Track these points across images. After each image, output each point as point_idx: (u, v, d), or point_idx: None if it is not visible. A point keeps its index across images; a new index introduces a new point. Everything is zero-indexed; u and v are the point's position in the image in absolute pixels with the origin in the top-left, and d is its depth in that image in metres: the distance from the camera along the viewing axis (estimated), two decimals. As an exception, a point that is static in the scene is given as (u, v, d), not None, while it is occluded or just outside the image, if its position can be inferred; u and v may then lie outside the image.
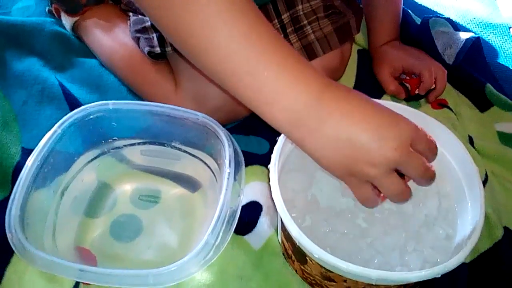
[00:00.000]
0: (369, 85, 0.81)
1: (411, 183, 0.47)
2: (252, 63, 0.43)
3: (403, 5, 0.84)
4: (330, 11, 0.75)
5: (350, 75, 0.83)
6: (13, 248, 0.49)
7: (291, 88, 0.43)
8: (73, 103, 0.72)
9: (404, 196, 0.46)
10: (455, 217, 0.54)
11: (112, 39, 0.77)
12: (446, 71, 0.77)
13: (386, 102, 0.59)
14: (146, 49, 0.70)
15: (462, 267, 0.58)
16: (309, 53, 0.75)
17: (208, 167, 0.63)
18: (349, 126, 0.43)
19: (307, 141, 0.45)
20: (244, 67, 0.43)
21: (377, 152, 0.43)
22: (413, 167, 0.44)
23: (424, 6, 0.97)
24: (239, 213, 0.53)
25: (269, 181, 0.51)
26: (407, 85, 0.79)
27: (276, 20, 0.75)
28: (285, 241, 0.55)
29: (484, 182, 0.66)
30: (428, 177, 0.46)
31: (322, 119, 0.43)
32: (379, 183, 0.45)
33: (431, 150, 0.46)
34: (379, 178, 0.44)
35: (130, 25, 0.75)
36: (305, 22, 0.75)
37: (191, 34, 0.43)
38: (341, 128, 0.43)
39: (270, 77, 0.43)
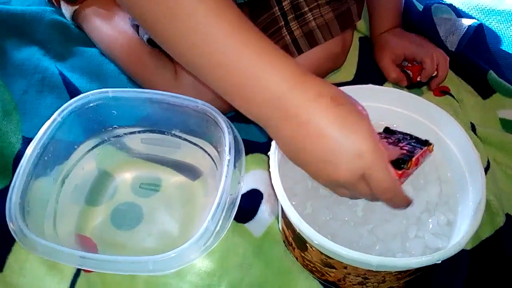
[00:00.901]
0: (370, 72, 0.81)
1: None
2: (216, 51, 0.42)
3: (405, -9, 0.84)
4: (331, -2, 0.75)
5: (351, 62, 0.83)
6: (14, 236, 0.49)
7: (252, 84, 0.42)
8: (74, 92, 0.72)
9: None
10: (456, 203, 0.53)
11: (111, 27, 0.77)
12: (448, 58, 0.76)
13: (388, 89, 0.59)
14: (146, 37, 0.70)
15: (463, 254, 0.58)
16: (310, 40, 0.74)
17: (209, 155, 0.63)
18: (300, 139, 0.42)
19: (270, 134, 0.45)
20: (210, 56, 0.43)
21: (321, 173, 0.43)
22: (353, 195, 0.47)
23: (426, -8, 0.96)
24: (239, 200, 0.53)
25: (269, 168, 0.50)
26: (409, 72, 0.78)
27: (276, 8, 0.75)
28: (285, 229, 0.55)
29: (486, 169, 0.66)
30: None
31: (280, 121, 0.42)
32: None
33: (381, 194, 0.44)
34: (330, 188, 0.47)
35: (129, 13, 0.74)
36: (306, 9, 0.74)
37: (163, 26, 0.43)
38: (294, 137, 0.42)
39: (233, 70, 0.42)
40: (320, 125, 0.41)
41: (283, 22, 0.75)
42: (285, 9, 0.74)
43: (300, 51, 0.75)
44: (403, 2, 0.84)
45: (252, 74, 0.42)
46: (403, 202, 0.46)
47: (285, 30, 0.75)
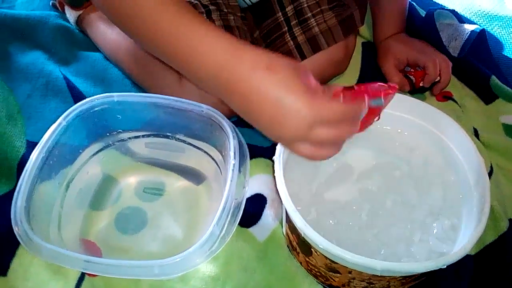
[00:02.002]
0: (373, 77, 0.81)
1: (415, 173, 0.47)
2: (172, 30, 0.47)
3: (408, -3, 0.84)
4: (334, 3, 0.75)
5: (354, 67, 0.83)
6: (19, 240, 0.49)
7: (194, 62, 0.46)
8: (78, 96, 0.72)
9: (318, 158, 0.48)
10: (460, 207, 0.53)
11: (116, 32, 0.77)
12: (451, 63, 0.77)
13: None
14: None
15: (467, 259, 0.58)
16: (313, 46, 0.75)
17: (213, 159, 0.63)
18: (247, 107, 0.45)
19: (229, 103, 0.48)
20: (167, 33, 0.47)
21: (272, 132, 0.46)
22: (313, 151, 0.46)
23: (428, -2, 0.96)
24: (244, 204, 0.53)
25: (274, 172, 0.51)
26: (412, 77, 0.78)
27: (280, 13, 0.75)
28: (290, 233, 0.55)
29: (489, 174, 0.66)
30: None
31: (226, 94, 0.47)
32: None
33: (340, 125, 0.45)
34: (287, 146, 0.48)
35: (134, 17, 0.75)
36: (309, 14, 0.74)
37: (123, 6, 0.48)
38: (242, 106, 0.46)
39: (179, 50, 0.47)
40: (260, 94, 0.44)
41: (286, 28, 0.75)
42: (289, 15, 0.75)
43: (303, 57, 0.75)
44: (407, 8, 0.84)
45: (192, 53, 0.46)
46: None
47: (288, 36, 0.75)
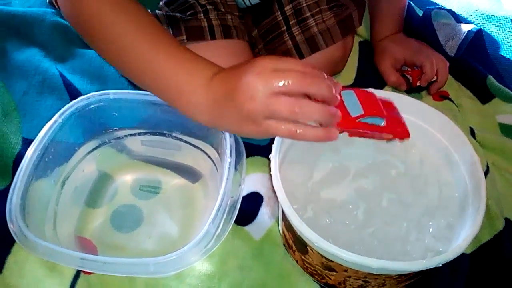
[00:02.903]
0: (370, 76, 0.81)
1: (412, 171, 0.47)
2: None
3: (405, -4, 0.84)
4: (333, 4, 0.75)
5: (351, 66, 0.83)
6: (14, 237, 0.49)
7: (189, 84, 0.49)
8: (74, 94, 0.72)
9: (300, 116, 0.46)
10: (456, 206, 0.54)
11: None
12: (448, 63, 0.77)
13: (387, 93, 0.59)
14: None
15: (463, 257, 0.58)
16: (312, 46, 0.75)
17: (209, 157, 0.63)
18: (220, 111, 0.48)
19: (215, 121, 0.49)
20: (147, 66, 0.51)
21: (245, 114, 0.46)
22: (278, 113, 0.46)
23: (426, -3, 0.96)
24: (239, 202, 0.53)
25: (270, 171, 0.50)
26: (409, 76, 0.78)
27: (279, 12, 0.75)
28: (286, 231, 0.55)
29: (486, 173, 0.66)
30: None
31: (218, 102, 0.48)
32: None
33: (300, 79, 0.45)
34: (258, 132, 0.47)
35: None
36: (308, 14, 0.74)
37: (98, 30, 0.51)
38: (215, 115, 0.48)
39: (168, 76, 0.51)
40: (229, 81, 0.47)
41: (285, 27, 0.75)
42: (287, 14, 0.75)
43: (301, 56, 0.75)
44: (406, 8, 0.84)
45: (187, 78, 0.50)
46: (326, 85, 0.46)
47: (287, 35, 0.75)
